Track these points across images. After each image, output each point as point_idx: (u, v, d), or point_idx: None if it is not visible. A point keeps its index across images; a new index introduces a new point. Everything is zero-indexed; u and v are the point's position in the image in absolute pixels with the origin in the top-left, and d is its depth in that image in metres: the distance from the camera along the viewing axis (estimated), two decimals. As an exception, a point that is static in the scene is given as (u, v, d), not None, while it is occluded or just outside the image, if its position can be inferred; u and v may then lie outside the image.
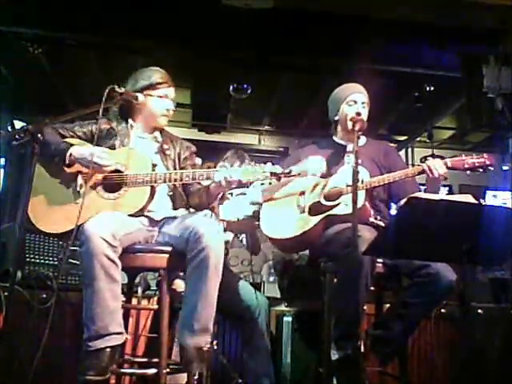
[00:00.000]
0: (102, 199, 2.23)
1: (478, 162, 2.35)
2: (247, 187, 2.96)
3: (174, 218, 2.34)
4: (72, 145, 2.27)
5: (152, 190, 2.25)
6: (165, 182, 2.24)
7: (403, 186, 2.56)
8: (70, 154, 2.22)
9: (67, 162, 2.23)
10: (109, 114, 2.45)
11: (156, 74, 2.44)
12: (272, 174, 2.13)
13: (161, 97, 2.43)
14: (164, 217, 2.35)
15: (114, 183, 2.25)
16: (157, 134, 2.52)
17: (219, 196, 2.35)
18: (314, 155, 2.73)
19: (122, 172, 2.26)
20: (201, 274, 2.07)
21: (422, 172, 2.39)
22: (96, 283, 1.97)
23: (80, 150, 2.24)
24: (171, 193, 2.43)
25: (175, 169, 2.44)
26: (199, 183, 2.42)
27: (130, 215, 2.21)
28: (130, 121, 2.47)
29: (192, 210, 2.57)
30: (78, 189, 2.26)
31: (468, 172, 2.39)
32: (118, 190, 2.24)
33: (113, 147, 2.35)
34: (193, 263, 2.09)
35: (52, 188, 2.29)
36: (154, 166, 2.29)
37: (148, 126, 2.48)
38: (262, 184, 2.66)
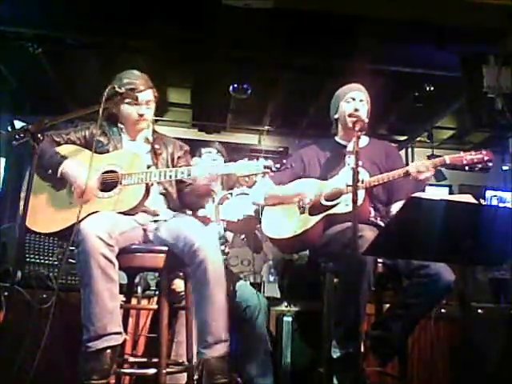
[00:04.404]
0: (97, 198, 2.24)
1: (476, 158, 2.34)
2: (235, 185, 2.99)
3: (165, 220, 2.34)
4: (65, 157, 2.28)
5: (147, 188, 2.26)
6: (159, 179, 2.25)
7: (401, 188, 2.56)
8: (62, 169, 2.25)
9: (59, 175, 2.25)
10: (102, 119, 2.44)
11: (124, 79, 2.37)
12: (265, 167, 2.15)
13: (129, 103, 2.37)
14: (154, 219, 2.36)
15: (109, 182, 2.27)
16: (148, 134, 2.51)
17: (204, 192, 2.37)
18: (314, 157, 2.75)
19: (116, 172, 2.28)
20: (204, 289, 2.07)
21: (407, 174, 2.38)
22: (93, 283, 1.97)
23: (71, 166, 2.25)
24: (164, 191, 2.42)
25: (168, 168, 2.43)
26: (192, 183, 2.42)
27: (125, 213, 2.21)
28: (119, 124, 2.48)
29: (189, 211, 2.56)
30: (73, 189, 2.27)
31: (466, 168, 2.38)
32: (113, 189, 2.25)
33: (106, 151, 2.37)
34: (194, 278, 2.11)
35: (45, 189, 2.31)
36: (149, 167, 2.31)
37: (130, 129, 2.48)
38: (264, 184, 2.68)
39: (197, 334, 2.14)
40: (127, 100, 2.35)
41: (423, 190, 2.50)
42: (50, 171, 2.26)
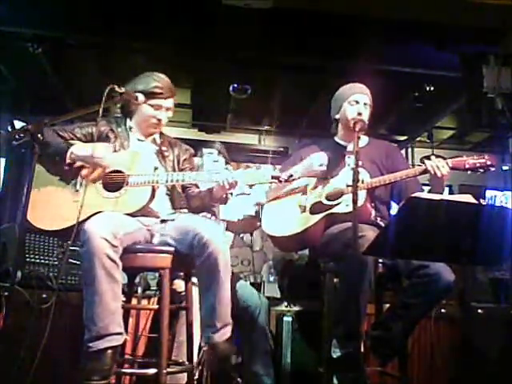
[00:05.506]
0: (102, 198, 2.24)
1: (478, 162, 2.35)
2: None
3: (172, 220, 2.35)
4: (72, 144, 2.28)
5: (153, 190, 2.26)
6: (166, 182, 2.25)
7: (405, 187, 2.56)
8: (72, 153, 2.24)
9: (68, 160, 2.24)
10: (109, 116, 2.46)
11: (153, 83, 2.38)
12: (273, 177, 2.15)
13: (152, 106, 2.39)
14: (162, 219, 2.36)
15: (114, 182, 2.27)
16: (156, 136, 2.52)
17: (222, 198, 2.37)
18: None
19: (123, 172, 2.27)
20: (214, 277, 2.11)
21: (425, 172, 2.39)
22: (97, 283, 1.98)
23: (81, 147, 2.26)
24: (169, 192, 2.44)
25: (174, 171, 2.45)
26: (198, 186, 2.44)
27: (130, 214, 2.21)
28: (128, 122, 2.48)
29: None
30: (78, 187, 2.27)
31: (468, 172, 2.39)
32: (119, 190, 2.25)
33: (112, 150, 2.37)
34: (204, 268, 2.12)
35: (50, 186, 2.30)
36: (156, 169, 2.31)
37: (142, 130, 2.49)
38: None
39: (203, 320, 2.17)
40: (153, 102, 2.36)
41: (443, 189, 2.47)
42: (58, 158, 2.24)
